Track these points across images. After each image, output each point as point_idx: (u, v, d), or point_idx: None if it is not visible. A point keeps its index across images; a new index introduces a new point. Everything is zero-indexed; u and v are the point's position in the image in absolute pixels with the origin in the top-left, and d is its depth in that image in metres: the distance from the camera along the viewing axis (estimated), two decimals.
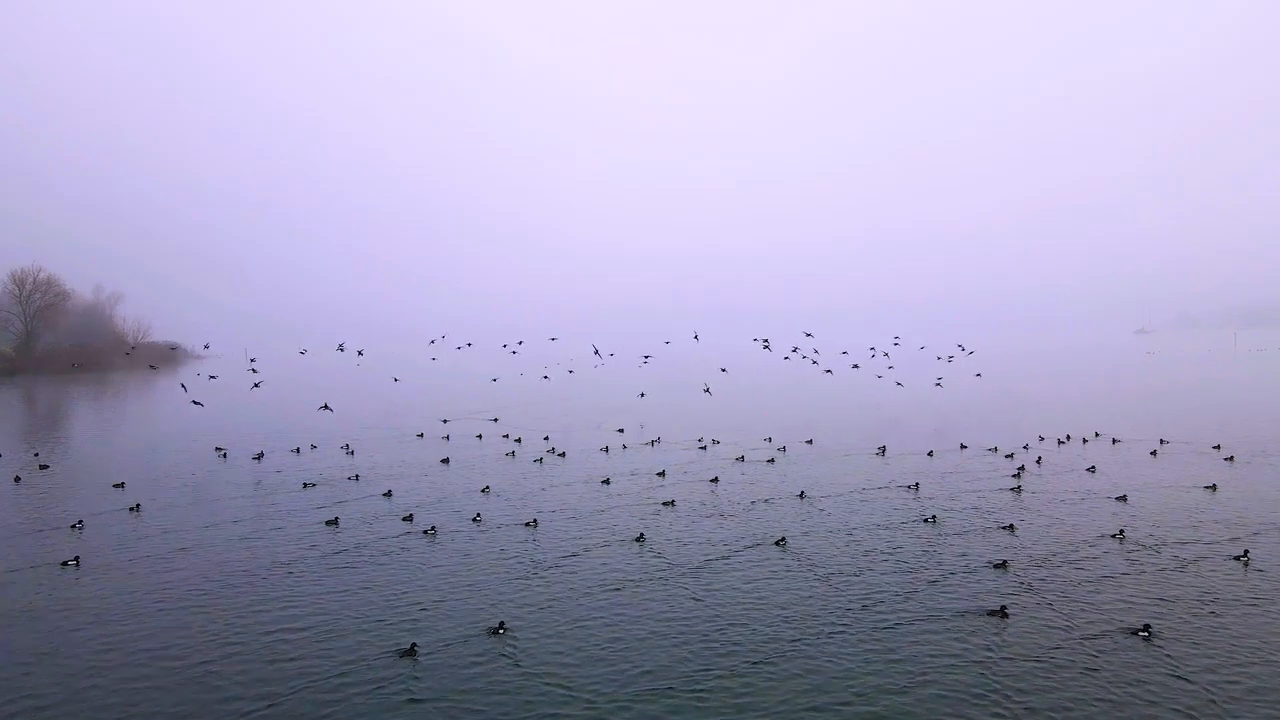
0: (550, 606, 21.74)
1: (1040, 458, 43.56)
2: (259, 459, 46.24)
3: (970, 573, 23.91)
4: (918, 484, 36.46)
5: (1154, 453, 45.42)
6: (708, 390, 69.64)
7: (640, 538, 28.28)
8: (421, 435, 56.64)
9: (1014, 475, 38.72)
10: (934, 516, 30.29)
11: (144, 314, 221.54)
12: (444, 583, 23.80)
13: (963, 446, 47.86)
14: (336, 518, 31.39)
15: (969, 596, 21.94)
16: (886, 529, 29.18)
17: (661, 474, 40.69)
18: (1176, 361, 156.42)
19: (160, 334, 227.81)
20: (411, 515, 31.71)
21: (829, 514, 31.75)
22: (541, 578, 24.20)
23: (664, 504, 33.57)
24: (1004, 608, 20.47)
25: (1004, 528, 28.84)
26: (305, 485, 38.84)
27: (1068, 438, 50.58)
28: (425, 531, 29.48)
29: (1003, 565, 24.23)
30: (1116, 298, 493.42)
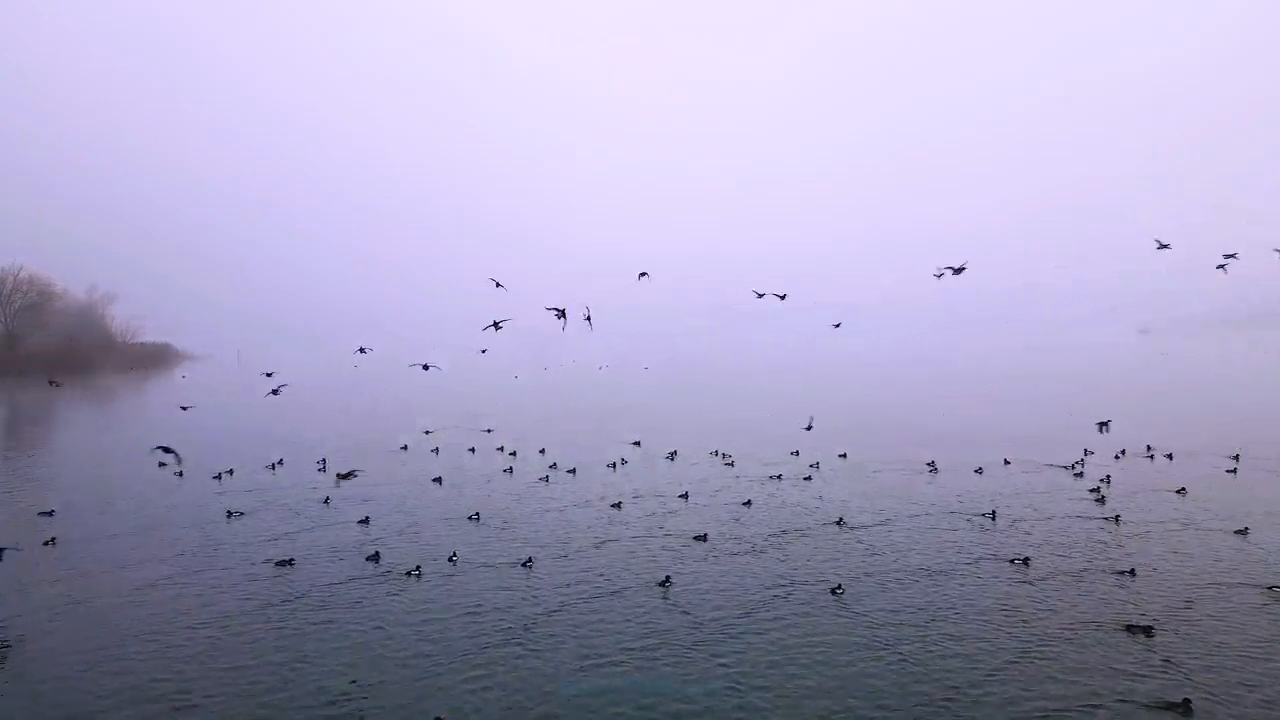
0: (534, 686, 16.28)
1: (1109, 476, 37.96)
2: (220, 479, 40.62)
3: (1095, 641, 18.38)
4: (994, 512, 30.76)
5: (1232, 471, 39.78)
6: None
7: (665, 582, 22.89)
8: (405, 448, 51.07)
9: (1096, 500, 33.16)
10: (1026, 558, 24.63)
11: (143, 314, 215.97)
12: (404, 651, 18.31)
13: (1006, 462, 42.22)
14: (291, 558, 25.85)
15: (1109, 677, 16.43)
16: (965, 572, 23.63)
17: (684, 496, 35.17)
18: (1195, 364, 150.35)
19: (159, 334, 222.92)
20: (378, 553, 26.19)
21: (884, 551, 26.20)
22: (529, 643, 18.71)
23: (695, 538, 27.98)
24: (1188, 701, 14.96)
25: (1120, 573, 23.22)
26: (258, 511, 33.38)
27: (1123, 452, 44.96)
28: (408, 574, 24.09)
29: (1147, 631, 18.62)
30: (1117, 298, 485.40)
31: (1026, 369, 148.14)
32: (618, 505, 33.43)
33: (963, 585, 22.52)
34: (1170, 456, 43.71)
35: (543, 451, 48.09)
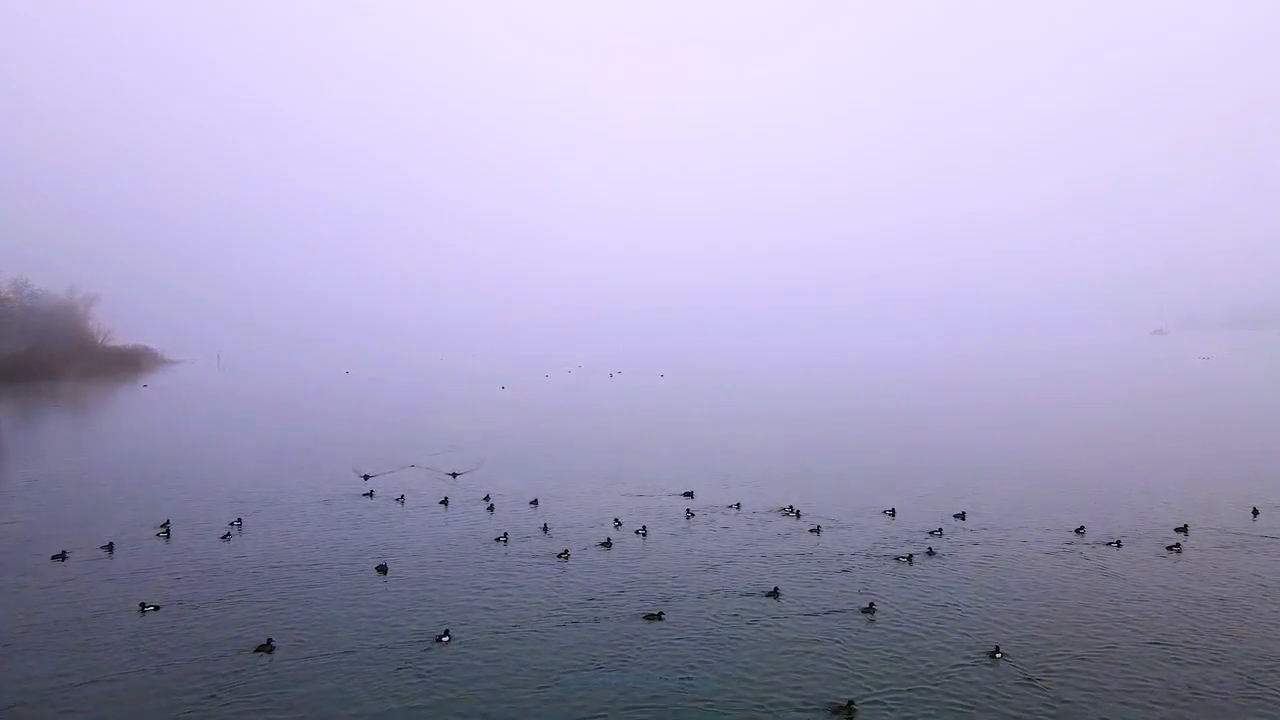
0: None
1: None
2: (63, 558, 27.86)
3: None
4: None
5: None
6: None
7: None
8: (370, 494, 38.91)
9: None
10: None
11: (127, 317, 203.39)
12: None
13: (1182, 529, 29.73)
14: None
15: None
16: None
17: (774, 594, 23.24)
18: (1240, 369, 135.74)
19: (145, 337, 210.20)
20: None
21: None
22: None
23: (834, 712, 16.07)
24: None
25: None
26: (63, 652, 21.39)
27: None
28: None
29: None
30: (1126, 297, 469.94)
31: (1058, 370, 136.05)
32: (659, 617, 21.47)
33: None
34: None
35: (535, 503, 36.09)
